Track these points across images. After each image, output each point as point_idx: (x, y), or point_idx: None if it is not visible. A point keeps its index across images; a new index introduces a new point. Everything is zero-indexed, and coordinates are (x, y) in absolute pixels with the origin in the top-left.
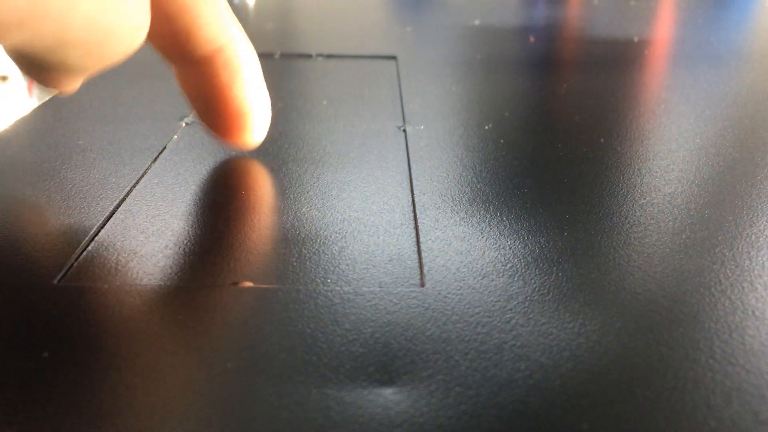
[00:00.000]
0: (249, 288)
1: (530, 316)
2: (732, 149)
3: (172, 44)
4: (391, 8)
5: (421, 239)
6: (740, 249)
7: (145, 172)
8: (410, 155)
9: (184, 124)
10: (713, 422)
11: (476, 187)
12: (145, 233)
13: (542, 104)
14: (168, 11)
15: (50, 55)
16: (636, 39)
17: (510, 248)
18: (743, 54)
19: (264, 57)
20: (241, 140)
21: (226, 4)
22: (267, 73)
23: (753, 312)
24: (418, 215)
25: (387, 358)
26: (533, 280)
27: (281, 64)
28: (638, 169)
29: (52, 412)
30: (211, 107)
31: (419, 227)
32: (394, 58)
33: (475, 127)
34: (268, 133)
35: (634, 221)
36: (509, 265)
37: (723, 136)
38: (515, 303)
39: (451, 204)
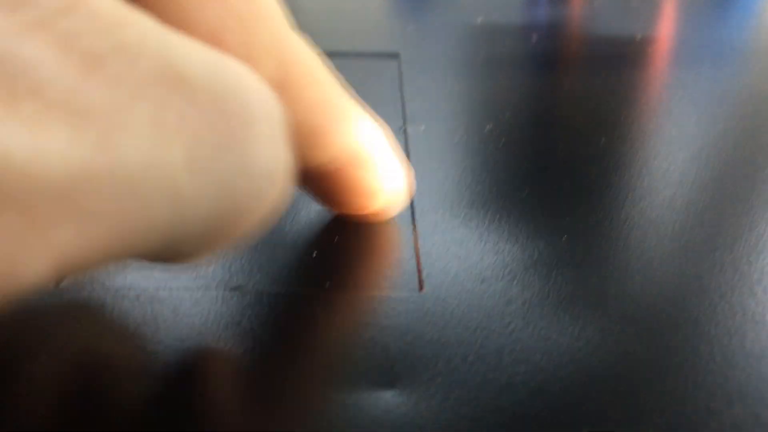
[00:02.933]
0: (247, 292)
1: (529, 320)
2: (733, 151)
3: None
4: (393, 6)
5: (420, 243)
6: (740, 253)
7: None
8: (410, 157)
9: None
10: (714, 425)
11: (475, 190)
12: None
13: (544, 104)
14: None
15: (163, 257)
16: (638, 37)
17: (509, 252)
18: (746, 53)
19: None
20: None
21: (348, 97)
22: None
23: (753, 316)
24: (416, 219)
25: (386, 362)
26: (532, 284)
27: None
28: (638, 171)
29: (51, 414)
30: (341, 198)
31: (418, 231)
32: (396, 56)
33: (476, 128)
34: None
35: (634, 224)
36: (508, 269)
37: (724, 137)
38: (514, 307)
39: (450, 208)
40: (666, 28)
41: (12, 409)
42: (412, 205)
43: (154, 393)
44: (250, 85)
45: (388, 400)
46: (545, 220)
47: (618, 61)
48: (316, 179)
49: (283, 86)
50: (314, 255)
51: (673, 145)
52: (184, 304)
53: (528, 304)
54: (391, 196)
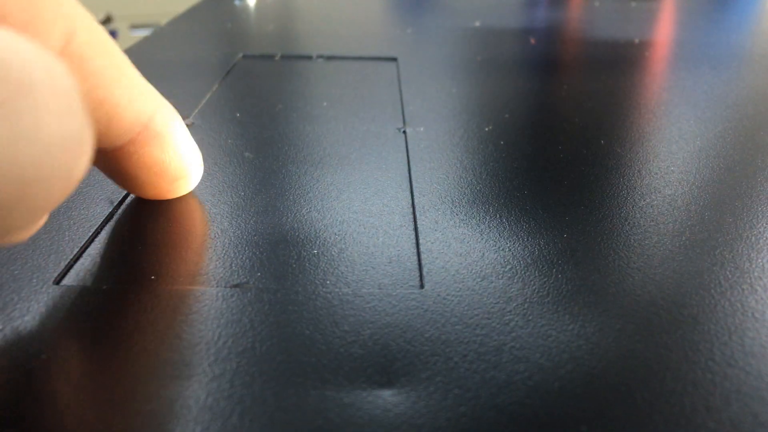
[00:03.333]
0: (248, 289)
1: (529, 318)
2: (732, 151)
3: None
4: (391, 10)
5: (421, 241)
6: (740, 251)
7: None
8: (410, 157)
9: None
10: (712, 424)
11: (476, 188)
12: (144, 234)
13: (543, 106)
14: None
15: None
16: (637, 41)
17: (509, 250)
18: (744, 56)
19: (264, 58)
20: (177, 195)
21: (137, 72)
22: (268, 75)
23: (753, 314)
24: (417, 217)
25: (386, 360)
26: (532, 282)
27: (282, 65)
28: (638, 171)
29: (51, 412)
30: (145, 179)
31: (419, 229)
32: (394, 59)
33: (475, 129)
34: (269, 134)
35: (634, 223)
36: (508, 267)
37: (723, 137)
38: (514, 305)
39: (451, 206)
40: (664, 31)
41: (11, 409)
42: (413, 203)
43: (153, 390)
44: (29, 55)
45: (386, 399)
46: (545, 218)
47: (617, 63)
48: (115, 161)
49: (70, 56)
50: (314, 252)
51: (673, 145)
52: (182, 303)
53: (528, 302)
54: (190, 174)
